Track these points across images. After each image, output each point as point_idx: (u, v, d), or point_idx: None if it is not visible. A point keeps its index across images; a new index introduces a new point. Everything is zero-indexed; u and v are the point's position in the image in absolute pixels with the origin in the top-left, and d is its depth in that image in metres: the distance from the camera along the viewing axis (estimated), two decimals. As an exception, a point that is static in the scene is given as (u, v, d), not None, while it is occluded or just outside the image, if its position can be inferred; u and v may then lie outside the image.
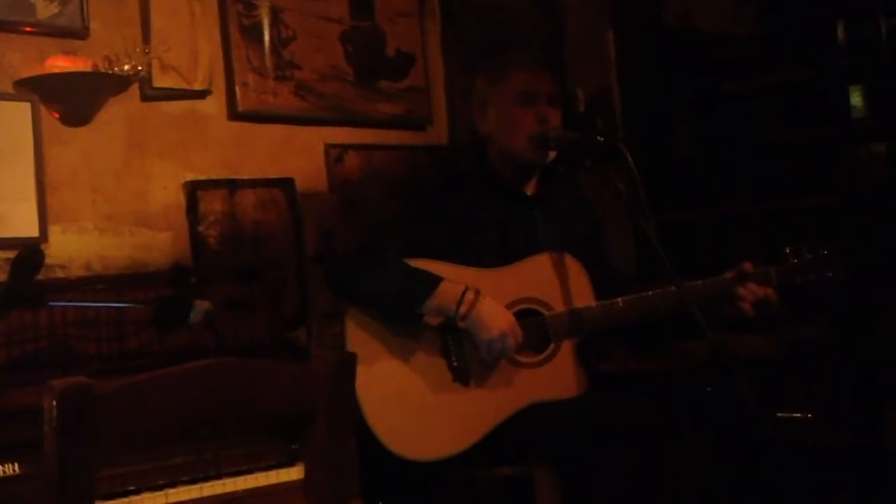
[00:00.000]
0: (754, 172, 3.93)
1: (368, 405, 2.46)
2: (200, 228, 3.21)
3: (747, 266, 2.65)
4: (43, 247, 2.79)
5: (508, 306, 2.57)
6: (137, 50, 3.00)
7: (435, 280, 2.50)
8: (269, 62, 3.39)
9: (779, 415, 3.05)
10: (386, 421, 2.48)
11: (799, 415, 3.11)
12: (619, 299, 2.62)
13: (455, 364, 2.55)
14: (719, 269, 2.68)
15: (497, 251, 2.67)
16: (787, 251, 2.68)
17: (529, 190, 2.78)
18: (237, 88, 3.31)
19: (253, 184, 3.36)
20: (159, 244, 3.12)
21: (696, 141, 4.08)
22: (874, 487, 3.07)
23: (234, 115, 3.33)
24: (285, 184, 3.44)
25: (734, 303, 2.62)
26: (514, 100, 2.70)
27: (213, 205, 3.25)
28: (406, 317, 2.54)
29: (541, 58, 2.83)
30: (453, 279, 2.52)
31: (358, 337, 2.55)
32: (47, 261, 2.82)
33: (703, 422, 2.53)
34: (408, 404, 2.53)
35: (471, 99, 2.85)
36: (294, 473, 2.46)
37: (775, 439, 2.30)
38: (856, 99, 3.69)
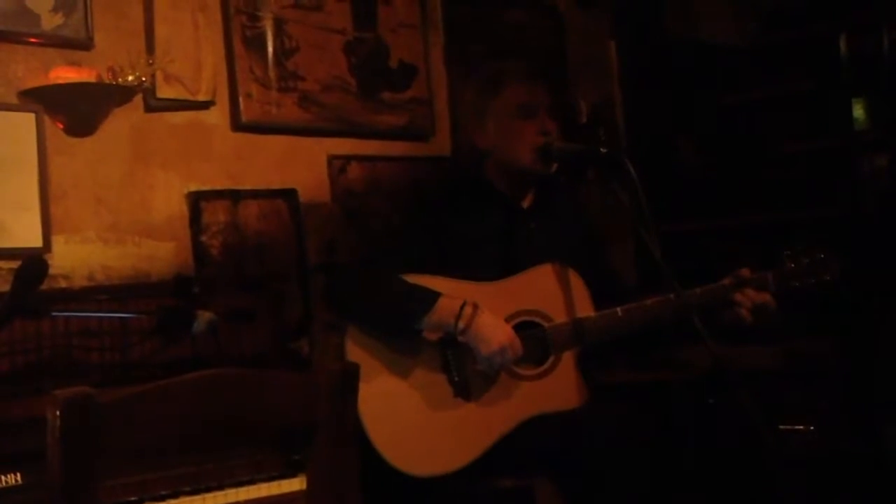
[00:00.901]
0: (756, 184, 3.94)
1: (370, 420, 2.46)
2: (203, 239, 3.22)
3: (744, 272, 2.65)
4: (46, 257, 2.79)
5: (507, 319, 2.57)
6: (141, 61, 3.01)
7: (433, 296, 2.51)
8: (272, 73, 3.41)
9: (780, 427, 3.05)
10: (388, 436, 2.49)
11: (801, 427, 3.11)
12: (619, 308, 2.62)
13: (455, 379, 2.55)
14: (720, 279, 2.68)
15: (495, 264, 2.67)
16: (785, 256, 2.69)
17: (526, 202, 2.79)
18: (240, 99, 3.32)
19: (256, 194, 3.37)
20: (162, 254, 3.13)
21: (698, 152, 4.09)
22: (875, 500, 3.07)
23: (238, 125, 3.34)
24: (288, 194, 3.45)
25: (732, 309, 2.63)
26: (514, 113, 2.70)
27: (216, 215, 3.26)
28: (405, 333, 2.54)
29: (536, 68, 2.83)
30: (452, 294, 2.52)
31: (358, 352, 2.55)
32: (50, 271, 2.82)
33: (706, 433, 2.53)
34: (409, 420, 2.53)
35: (464, 111, 2.85)
36: (296, 484, 2.46)
37: (777, 451, 2.30)
38: (858, 111, 3.70)
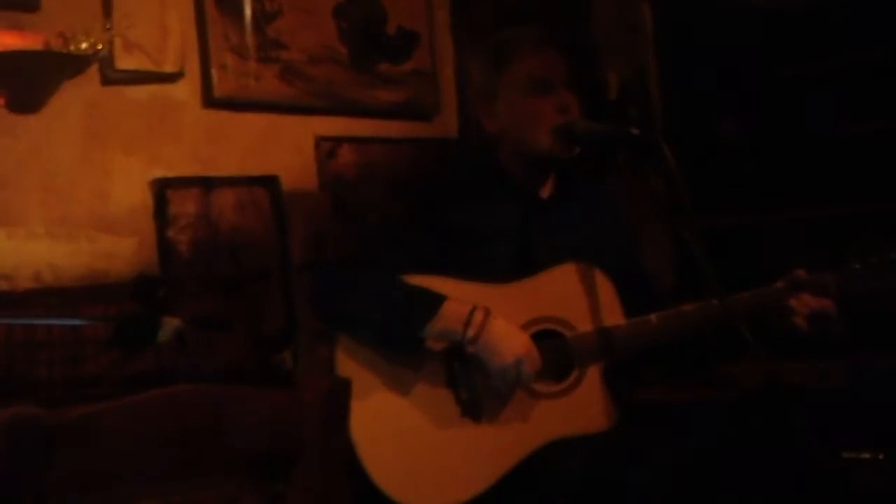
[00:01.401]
0: (815, 171, 3.93)
1: (364, 445, 2.46)
2: (170, 233, 3.22)
3: (800, 273, 2.64)
4: (-15, 254, 2.80)
5: (524, 327, 2.57)
6: (97, 25, 3.01)
7: (438, 299, 2.51)
8: (250, 41, 3.40)
9: (844, 454, 3.04)
10: (385, 463, 2.48)
11: (868, 455, 3.10)
12: (653, 315, 2.62)
13: (463, 396, 2.55)
14: (772, 282, 2.67)
15: (509, 263, 2.67)
16: (849, 255, 2.68)
17: (546, 191, 2.79)
18: (213, 71, 3.33)
19: (231, 182, 3.37)
20: (122, 252, 3.13)
21: (746, 134, 4.08)
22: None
23: (210, 101, 3.34)
24: (269, 182, 3.45)
25: (786, 317, 2.62)
26: (526, 90, 2.68)
27: (184, 206, 3.26)
28: (406, 343, 2.54)
29: (549, 34, 2.81)
30: (459, 297, 2.52)
31: (350, 365, 2.54)
32: (-9, 271, 2.84)
33: (755, 462, 2.52)
34: (410, 444, 2.53)
35: (471, 90, 2.84)
36: (277, 519, 2.47)
37: (840, 483, 2.30)
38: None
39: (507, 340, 2.49)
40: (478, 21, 3.96)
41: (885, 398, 3.17)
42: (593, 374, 2.63)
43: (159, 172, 3.23)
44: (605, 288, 2.69)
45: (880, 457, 3.04)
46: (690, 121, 4.07)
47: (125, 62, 3.13)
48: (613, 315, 2.66)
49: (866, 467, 3.05)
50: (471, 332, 2.49)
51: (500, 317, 2.51)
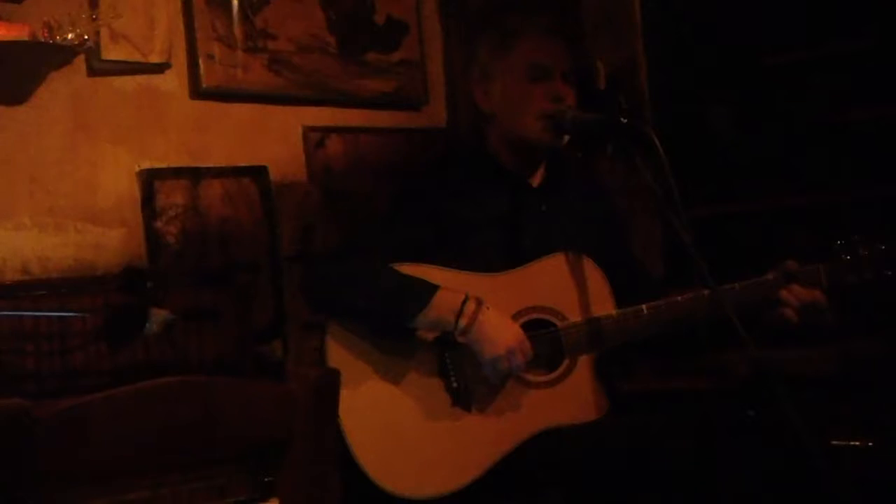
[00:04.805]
0: (806, 159, 3.93)
1: (353, 433, 2.47)
2: (158, 225, 3.22)
3: (791, 265, 2.65)
4: (-27, 246, 2.79)
5: (515, 317, 2.58)
6: (83, 16, 3.00)
7: (430, 289, 2.51)
8: (237, 31, 3.40)
9: (833, 443, 3.06)
10: (374, 452, 2.49)
11: (857, 443, 3.11)
12: (644, 306, 2.63)
13: (454, 385, 2.56)
14: (762, 272, 2.68)
15: (501, 252, 2.68)
16: (839, 246, 2.68)
17: (536, 180, 2.79)
18: (201, 61, 3.32)
19: (219, 173, 3.36)
20: (110, 243, 3.13)
21: (735, 123, 4.08)
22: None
23: (198, 92, 3.34)
24: (257, 172, 3.45)
25: (776, 308, 2.62)
26: (524, 74, 2.70)
27: (172, 197, 3.26)
28: (397, 332, 2.54)
29: (555, 24, 2.82)
30: (451, 287, 2.53)
31: (340, 354, 2.55)
32: (-22, 263, 2.83)
33: (745, 450, 2.53)
34: (400, 432, 2.54)
35: (471, 69, 2.84)
36: (267, 510, 2.47)
37: (829, 471, 2.30)
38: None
39: (499, 331, 2.50)
40: (467, 11, 3.96)
41: (875, 387, 3.18)
42: (584, 364, 2.64)
43: (147, 163, 3.22)
44: (596, 278, 2.70)
45: (869, 444, 3.05)
46: (680, 109, 4.07)
47: (112, 53, 3.12)
48: (604, 305, 2.67)
49: (856, 455, 3.06)
50: (463, 322, 2.49)
51: (492, 307, 2.52)
